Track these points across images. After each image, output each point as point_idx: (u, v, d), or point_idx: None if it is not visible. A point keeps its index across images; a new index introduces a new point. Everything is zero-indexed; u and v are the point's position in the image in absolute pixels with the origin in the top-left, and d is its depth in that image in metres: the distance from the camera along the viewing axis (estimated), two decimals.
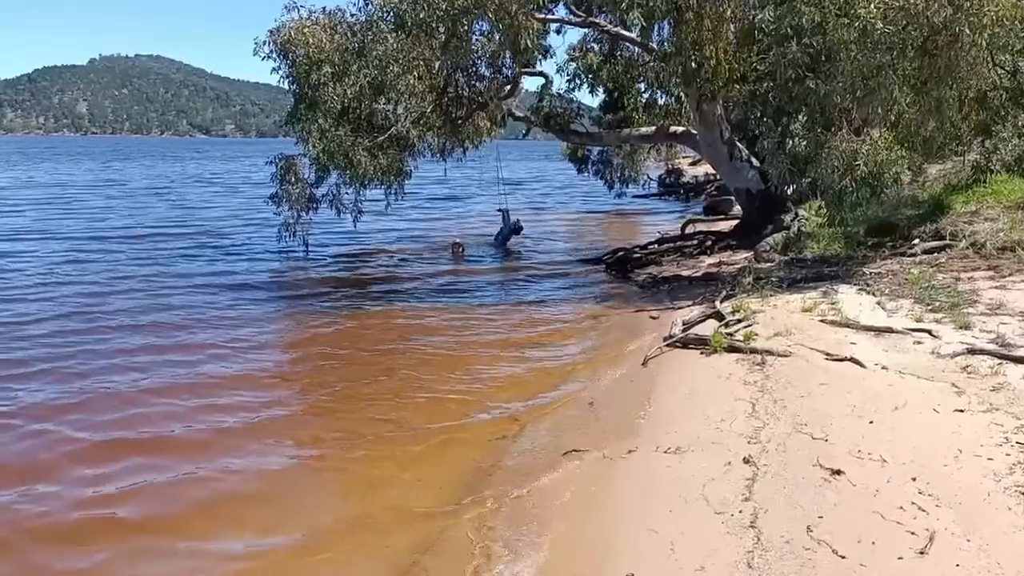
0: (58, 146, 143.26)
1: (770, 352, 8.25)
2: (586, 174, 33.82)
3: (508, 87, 17.25)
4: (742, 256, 15.51)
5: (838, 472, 5.34)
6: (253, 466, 7.08)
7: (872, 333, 8.48)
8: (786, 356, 8.11)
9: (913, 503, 4.82)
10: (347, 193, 17.64)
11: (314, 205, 17.67)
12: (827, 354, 7.96)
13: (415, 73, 13.62)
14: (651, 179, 39.03)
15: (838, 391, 6.96)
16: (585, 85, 17.26)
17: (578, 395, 8.60)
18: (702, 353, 8.92)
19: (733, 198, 19.78)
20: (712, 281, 13.53)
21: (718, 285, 12.64)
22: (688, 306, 11.74)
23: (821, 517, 4.81)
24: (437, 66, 14.01)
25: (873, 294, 10.13)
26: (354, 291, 15.01)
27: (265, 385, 9.36)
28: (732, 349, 8.66)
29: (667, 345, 9.50)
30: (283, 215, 17.57)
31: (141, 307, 13.16)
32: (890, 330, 8.41)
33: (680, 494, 5.46)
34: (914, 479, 5.12)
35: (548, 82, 18.77)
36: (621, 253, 17.78)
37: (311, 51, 15.24)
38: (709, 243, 17.42)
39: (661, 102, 20.92)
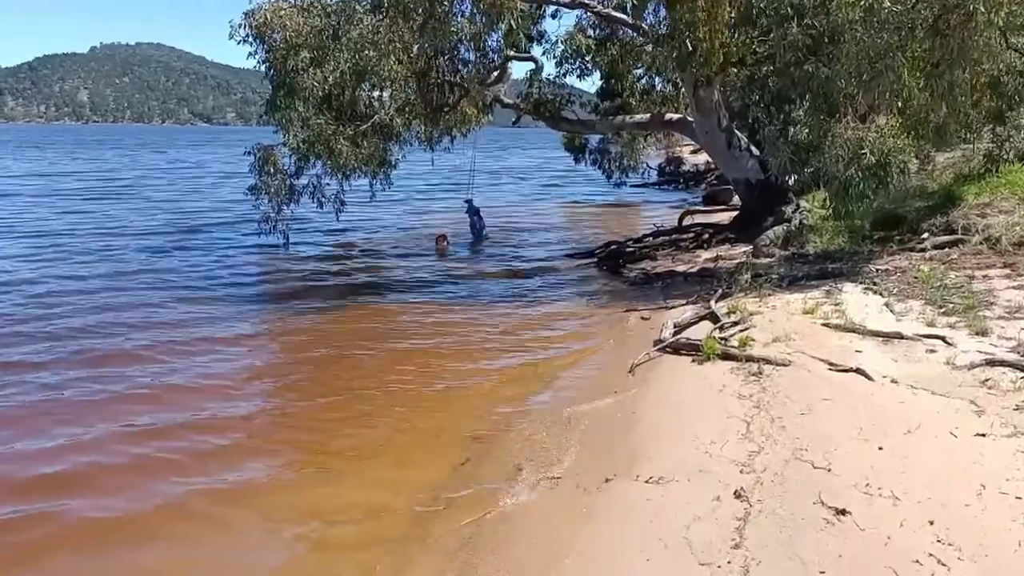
0: (54, 134, 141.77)
1: (768, 361, 7.52)
2: (583, 163, 33.06)
3: (495, 73, 16.46)
4: (741, 250, 14.79)
5: (843, 512, 4.62)
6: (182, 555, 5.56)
7: (880, 339, 7.74)
8: (785, 365, 7.38)
9: (931, 555, 4.11)
10: (328, 184, 16.97)
11: (295, 197, 16.99)
12: (830, 364, 7.23)
13: (394, 57, 12.85)
14: (651, 168, 38.15)
15: (843, 408, 6.24)
16: (575, 69, 16.42)
17: (555, 410, 7.79)
18: (694, 360, 8.19)
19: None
20: (708, 277, 12.85)
21: (714, 282, 11.94)
22: (682, 305, 11.02)
23: (823, 573, 4.09)
24: (416, 50, 13.21)
25: (880, 294, 9.36)
26: (332, 299, 13.72)
27: (219, 431, 7.63)
28: (726, 356, 7.93)
29: (657, 350, 8.77)
30: (262, 208, 16.88)
31: (90, 324, 11.42)
32: (900, 336, 7.67)
33: (660, 536, 4.74)
34: (931, 523, 4.40)
35: (538, 67, 17.96)
36: (614, 247, 16.99)
37: (288, 35, 14.53)
38: (706, 236, 16.69)
39: (658, 88, 20.16)
